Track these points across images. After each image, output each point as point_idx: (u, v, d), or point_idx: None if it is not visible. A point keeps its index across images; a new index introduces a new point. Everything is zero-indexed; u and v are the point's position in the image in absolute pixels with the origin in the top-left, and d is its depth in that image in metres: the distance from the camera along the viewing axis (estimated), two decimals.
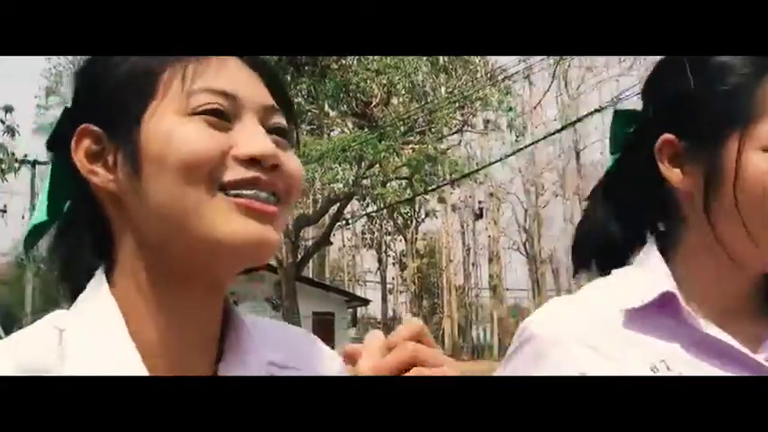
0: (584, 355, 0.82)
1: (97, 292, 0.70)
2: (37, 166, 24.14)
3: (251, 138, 0.67)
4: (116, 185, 0.69)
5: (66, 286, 0.74)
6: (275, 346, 0.78)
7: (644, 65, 26.04)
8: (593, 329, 0.84)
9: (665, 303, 0.83)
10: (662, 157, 0.86)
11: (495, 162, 24.34)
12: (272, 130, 0.70)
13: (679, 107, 0.86)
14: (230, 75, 0.69)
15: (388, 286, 34.97)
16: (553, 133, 22.79)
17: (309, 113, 23.36)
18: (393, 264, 36.14)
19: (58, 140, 0.73)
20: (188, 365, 0.70)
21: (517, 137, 23.72)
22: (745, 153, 0.80)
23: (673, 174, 0.86)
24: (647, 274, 0.87)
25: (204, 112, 0.67)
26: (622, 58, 27.51)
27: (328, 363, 0.82)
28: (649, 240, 0.90)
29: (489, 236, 32.96)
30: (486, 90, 23.84)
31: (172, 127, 0.66)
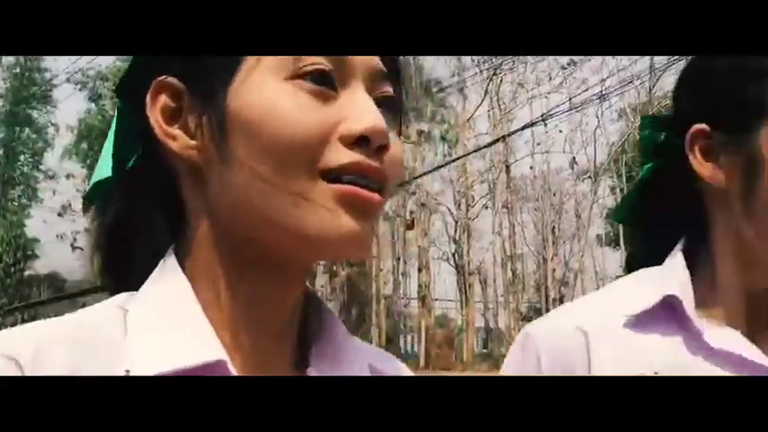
0: (578, 352, 0.79)
1: (170, 274, 0.58)
2: None
3: (360, 111, 0.56)
4: (198, 154, 0.57)
5: (118, 268, 0.63)
6: (374, 356, 0.68)
7: (574, 83, 26.87)
8: (593, 329, 0.80)
9: (671, 308, 0.78)
10: (693, 149, 0.81)
11: (428, 173, 24.65)
12: (379, 101, 0.59)
13: (713, 100, 0.81)
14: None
15: (318, 293, 34.89)
16: (484, 146, 23.23)
17: None
18: (323, 272, 36.07)
19: (129, 87, 0.61)
20: (263, 363, 0.60)
21: (450, 148, 24.07)
22: None
23: (704, 168, 0.81)
24: (662, 277, 0.81)
25: (306, 76, 0.55)
26: (553, 75, 28.28)
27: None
28: (679, 243, 0.85)
29: (419, 246, 33.31)
30: (420, 101, 24.09)
31: (272, 94, 0.55)
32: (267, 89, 0.55)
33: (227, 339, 0.58)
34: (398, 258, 33.87)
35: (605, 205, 33.43)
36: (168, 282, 0.58)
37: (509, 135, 22.44)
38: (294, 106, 0.54)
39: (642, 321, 0.79)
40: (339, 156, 0.55)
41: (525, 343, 0.84)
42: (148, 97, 0.58)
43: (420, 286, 35.37)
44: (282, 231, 0.55)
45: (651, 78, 23.77)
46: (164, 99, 0.58)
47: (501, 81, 27.70)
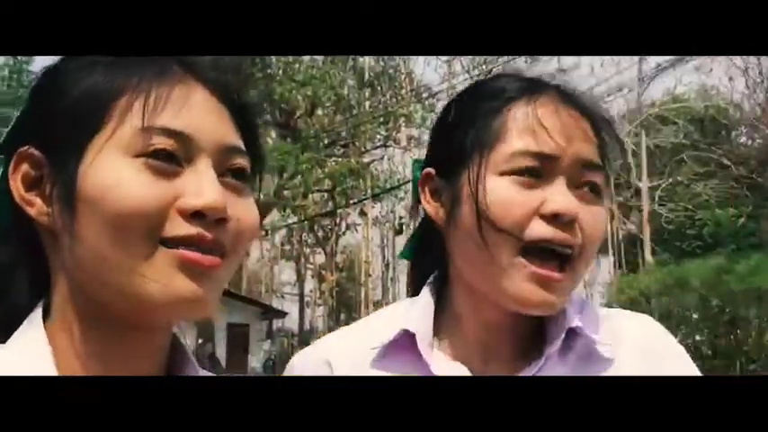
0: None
1: (29, 327, 0.63)
2: None
3: (199, 187, 0.60)
4: (50, 220, 0.61)
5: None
6: None
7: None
8: (338, 361, 0.87)
9: (407, 342, 0.83)
10: (423, 191, 0.88)
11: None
12: (229, 172, 0.63)
13: (436, 144, 0.90)
14: (192, 110, 0.61)
15: (305, 299, 34.76)
16: None
17: None
18: (312, 276, 35.96)
19: (10, 148, 0.64)
20: None
21: None
22: (481, 180, 0.80)
23: (430, 207, 0.87)
24: (406, 311, 0.88)
25: (152, 154, 0.59)
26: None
27: None
28: (430, 277, 0.91)
29: None
30: (410, 107, 24.12)
31: (113, 169, 0.58)
32: (113, 166, 0.59)
33: None
34: (387, 264, 33.86)
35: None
36: (28, 337, 0.62)
37: None
38: (136, 182, 0.58)
39: (384, 353, 0.85)
40: (177, 228, 0.59)
41: (288, 372, 0.92)
42: (11, 165, 0.62)
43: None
44: (124, 298, 0.59)
45: (640, 86, 23.92)
46: (25, 167, 0.62)
47: None
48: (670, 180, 27.20)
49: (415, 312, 0.86)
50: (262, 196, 0.69)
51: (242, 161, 0.64)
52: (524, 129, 0.81)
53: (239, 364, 24.82)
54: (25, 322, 0.63)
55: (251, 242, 0.65)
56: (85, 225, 0.58)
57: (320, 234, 31.90)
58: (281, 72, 21.51)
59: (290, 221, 25.85)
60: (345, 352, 0.88)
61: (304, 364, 0.90)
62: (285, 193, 20.70)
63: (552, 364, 0.81)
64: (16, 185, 0.62)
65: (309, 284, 35.72)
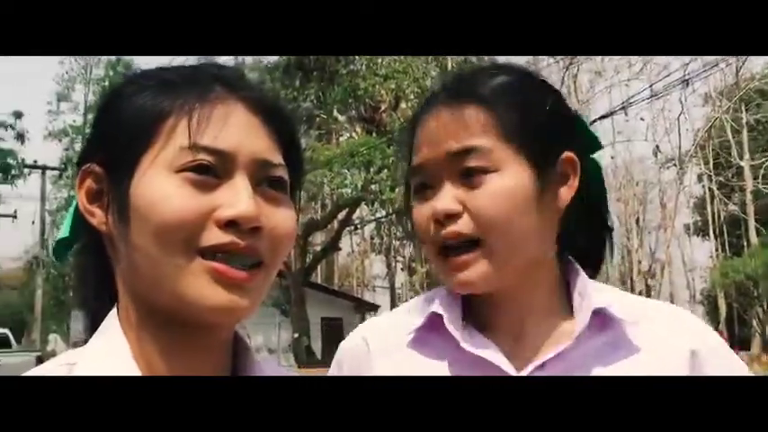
0: (361, 365, 0.94)
1: (108, 327, 0.70)
2: (47, 172, 24.32)
3: (233, 199, 0.65)
4: (108, 229, 0.69)
5: (82, 304, 0.75)
6: None
7: (655, 69, 25.93)
8: (376, 351, 0.94)
9: (438, 324, 0.89)
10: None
11: None
12: (267, 182, 0.69)
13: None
14: (231, 128, 0.67)
15: (396, 292, 34.96)
16: None
17: (318, 119, 23.41)
18: (402, 269, 36.14)
19: (81, 164, 0.72)
20: None
21: None
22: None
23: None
24: (438, 296, 0.93)
25: (191, 168, 0.65)
26: (633, 61, 27.43)
27: None
28: None
29: None
30: None
31: (159, 184, 0.65)
32: (159, 181, 0.65)
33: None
34: None
35: (693, 194, 32.15)
36: (108, 338, 0.69)
37: (589, 125, 21.88)
38: (177, 195, 0.64)
39: (418, 335, 0.91)
40: (213, 237, 0.65)
41: (337, 354, 1.01)
42: (77, 180, 0.70)
43: None
44: (174, 301, 0.65)
45: (738, 60, 22.71)
46: (89, 182, 0.70)
47: (578, 71, 27.08)
48: None
49: (445, 296, 0.92)
50: (302, 200, 0.74)
51: (279, 172, 0.70)
52: (418, 146, 0.91)
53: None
54: (103, 325, 0.70)
55: (288, 249, 0.70)
56: (137, 234, 0.65)
57: (409, 227, 31.99)
58: (364, 67, 21.69)
59: (378, 215, 26.06)
60: (382, 332, 0.96)
61: (348, 340, 0.99)
62: (373, 187, 20.87)
63: (580, 347, 0.84)
64: (81, 198, 0.70)
65: (400, 277, 35.93)
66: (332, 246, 24.63)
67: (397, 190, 21.45)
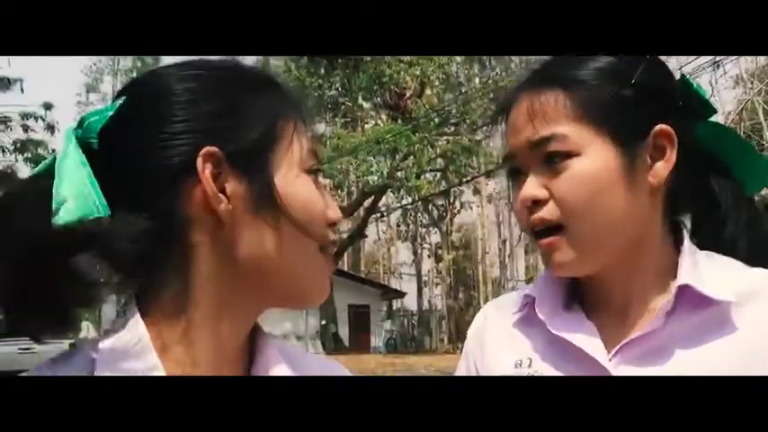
0: (476, 349, 0.99)
1: (134, 322, 0.67)
2: None
3: (333, 202, 0.74)
4: (230, 213, 0.68)
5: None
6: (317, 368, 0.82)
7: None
8: (491, 327, 0.99)
9: (533, 306, 0.92)
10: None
11: None
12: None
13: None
14: (308, 134, 0.75)
15: (423, 278, 34.98)
16: None
17: (343, 106, 23.42)
18: (428, 256, 36.14)
19: (111, 134, 0.68)
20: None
21: None
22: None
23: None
24: (538, 280, 0.96)
25: (314, 171, 0.73)
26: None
27: None
28: None
29: None
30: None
31: (300, 178, 0.71)
32: (295, 172, 0.71)
33: (185, 364, 0.68)
34: (504, 240, 33.47)
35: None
36: (131, 331, 0.66)
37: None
38: (314, 190, 0.72)
39: (522, 316, 0.95)
40: (328, 234, 0.73)
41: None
42: (200, 161, 0.66)
43: (527, 268, 34.79)
44: (291, 279, 0.71)
45: None
46: (210, 166, 0.67)
47: None
48: None
49: (543, 278, 0.94)
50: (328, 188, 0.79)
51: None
52: (509, 135, 0.91)
53: (361, 343, 25.42)
54: (125, 319, 0.67)
55: None
56: (274, 224, 0.69)
57: (435, 213, 31.98)
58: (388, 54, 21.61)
59: (404, 202, 26.05)
60: (500, 308, 1.00)
61: (481, 311, 1.05)
62: (398, 174, 20.87)
63: (669, 326, 0.82)
64: (209, 182, 0.66)
65: (426, 264, 35.95)
66: (358, 233, 24.69)
67: (422, 177, 21.42)
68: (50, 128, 24.82)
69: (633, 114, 0.84)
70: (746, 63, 25.57)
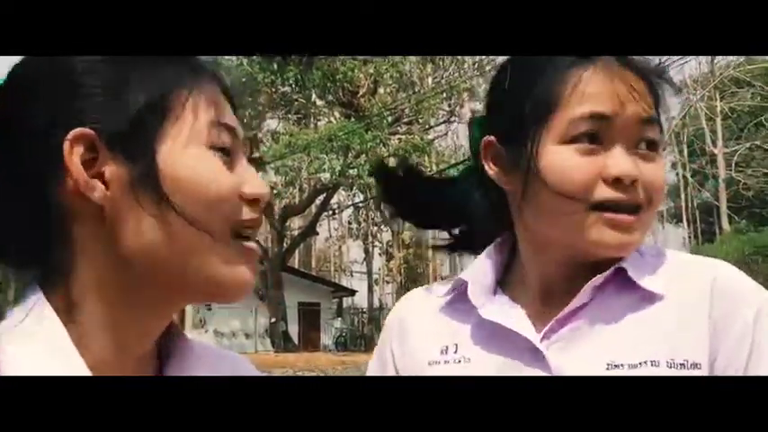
0: (394, 336, 0.98)
1: (43, 322, 0.61)
2: None
3: (252, 177, 0.67)
4: (110, 202, 0.62)
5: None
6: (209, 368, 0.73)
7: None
8: (413, 313, 0.99)
9: (464, 291, 0.92)
10: (485, 157, 0.92)
11: None
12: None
13: (496, 109, 0.95)
14: (226, 107, 0.68)
15: (374, 277, 35.01)
16: None
17: (296, 103, 23.27)
18: (380, 254, 36.20)
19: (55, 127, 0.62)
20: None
21: None
22: (542, 147, 0.84)
23: (493, 172, 0.92)
24: (469, 265, 0.97)
25: (221, 148, 0.65)
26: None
27: None
28: (503, 235, 0.98)
29: None
30: (473, 80, 23.83)
31: (199, 158, 0.63)
32: (197, 155, 0.63)
33: (97, 360, 0.62)
34: None
35: (667, 181, 32.49)
36: (48, 332, 0.61)
37: None
38: (216, 168, 0.64)
39: (448, 302, 0.96)
40: (246, 213, 0.65)
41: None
42: (66, 145, 0.60)
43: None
44: (193, 273, 0.63)
45: None
46: (80, 150, 0.61)
47: None
48: (748, 145, 26.08)
49: (472, 266, 0.95)
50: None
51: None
52: (581, 94, 0.84)
53: (311, 341, 25.30)
54: (31, 316, 0.62)
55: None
56: (176, 203, 0.61)
57: (386, 212, 32.07)
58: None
59: (356, 200, 26.04)
60: (417, 299, 1.01)
61: (387, 321, 1.03)
62: (350, 171, 20.83)
63: (598, 305, 0.85)
64: (78, 169, 0.61)
65: (377, 262, 36.01)
66: (309, 230, 24.57)
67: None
68: None
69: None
70: (690, 69, 26.29)
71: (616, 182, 0.83)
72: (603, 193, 0.83)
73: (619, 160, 0.83)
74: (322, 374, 12.87)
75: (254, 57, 20.82)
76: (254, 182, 0.66)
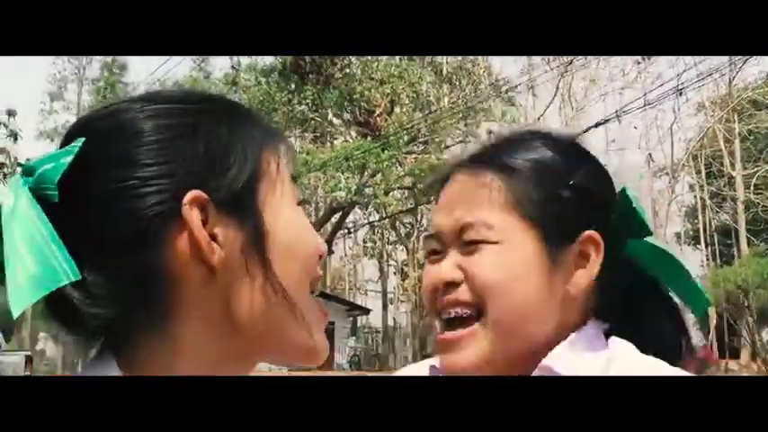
0: None
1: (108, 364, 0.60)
2: None
3: (317, 235, 0.67)
4: (221, 263, 0.59)
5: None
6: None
7: (648, 78, 26.02)
8: None
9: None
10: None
11: None
12: None
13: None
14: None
15: (388, 296, 34.90)
16: None
17: (313, 122, 23.39)
18: (394, 273, 36.09)
19: (70, 184, 0.58)
20: None
21: None
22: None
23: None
24: None
25: (302, 202, 0.66)
26: (626, 70, 27.54)
27: None
28: None
29: None
30: (489, 101, 23.88)
31: (293, 215, 0.64)
32: (287, 208, 0.64)
33: None
34: None
35: (684, 202, 32.30)
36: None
37: (582, 133, 21.99)
38: (309, 228, 0.65)
39: None
40: (318, 270, 0.66)
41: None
42: (186, 209, 0.58)
43: None
44: (281, 337, 0.63)
45: (731, 70, 22.83)
46: (197, 212, 0.59)
47: (572, 78, 27.16)
48: (766, 167, 25.85)
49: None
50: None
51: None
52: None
53: (325, 360, 25.16)
54: (94, 365, 0.60)
55: None
56: (276, 265, 0.61)
57: (402, 231, 32.02)
58: (359, 71, 21.72)
59: (371, 219, 26.05)
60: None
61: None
62: (366, 191, 20.87)
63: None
64: (200, 231, 0.58)
65: (392, 281, 35.89)
66: None
67: (390, 194, 21.46)
68: (13, 135, 24.36)
69: (565, 215, 0.81)
70: (708, 91, 26.15)
71: (439, 290, 0.83)
72: (435, 302, 0.83)
73: (441, 266, 0.83)
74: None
75: (272, 76, 20.99)
76: (318, 237, 0.66)
